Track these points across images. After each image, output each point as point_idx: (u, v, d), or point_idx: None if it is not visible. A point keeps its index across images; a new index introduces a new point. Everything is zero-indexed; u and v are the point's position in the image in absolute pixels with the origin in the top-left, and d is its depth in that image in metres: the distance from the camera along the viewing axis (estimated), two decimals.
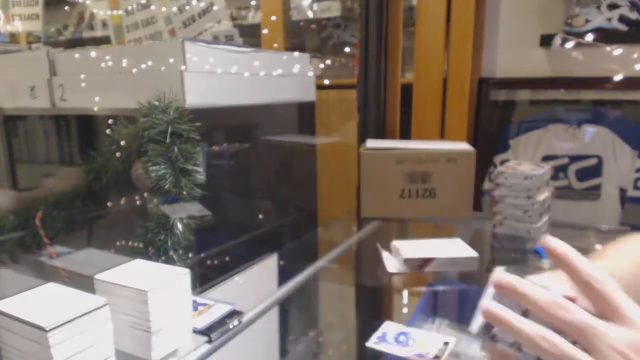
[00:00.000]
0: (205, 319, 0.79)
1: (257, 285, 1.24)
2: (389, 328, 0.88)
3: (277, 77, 1.28)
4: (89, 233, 1.14)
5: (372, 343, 0.83)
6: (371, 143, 1.40)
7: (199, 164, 0.96)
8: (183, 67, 0.97)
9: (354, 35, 2.85)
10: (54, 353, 0.56)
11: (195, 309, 0.82)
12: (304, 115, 1.46)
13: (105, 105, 1.08)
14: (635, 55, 1.81)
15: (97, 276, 0.70)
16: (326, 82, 2.68)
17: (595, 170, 1.88)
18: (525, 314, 0.44)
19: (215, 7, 1.32)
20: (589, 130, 1.89)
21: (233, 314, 0.82)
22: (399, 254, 1.07)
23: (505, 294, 0.45)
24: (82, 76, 1.10)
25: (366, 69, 1.56)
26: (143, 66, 1.02)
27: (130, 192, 1.04)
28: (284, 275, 1.23)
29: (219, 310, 0.82)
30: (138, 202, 1.03)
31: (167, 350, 0.70)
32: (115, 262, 0.75)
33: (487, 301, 0.45)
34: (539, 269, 0.98)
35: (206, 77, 1.03)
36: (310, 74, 1.45)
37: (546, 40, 1.90)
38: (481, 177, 2.06)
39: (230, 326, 0.79)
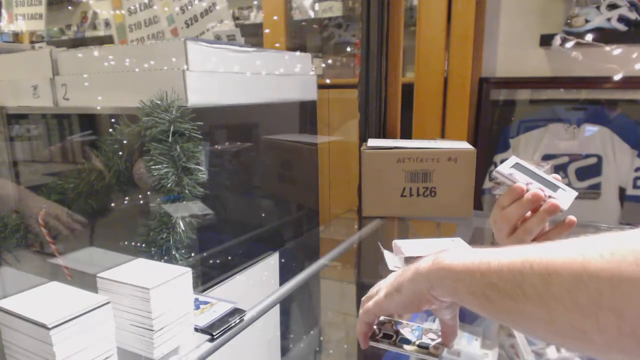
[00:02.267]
0: (207, 317, 0.79)
1: (258, 283, 1.24)
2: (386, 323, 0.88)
3: (279, 77, 1.29)
4: (92, 232, 1.15)
5: (372, 340, 0.84)
6: (372, 142, 1.41)
7: (201, 163, 0.97)
8: (185, 67, 0.98)
9: (355, 35, 2.85)
10: (56, 351, 0.57)
11: (197, 307, 0.83)
12: (306, 115, 1.46)
13: (108, 105, 1.08)
14: (635, 55, 1.81)
15: (99, 274, 0.70)
16: (328, 81, 2.69)
17: (595, 170, 1.88)
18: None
19: (217, 7, 1.32)
20: (589, 129, 1.89)
21: (235, 312, 0.82)
22: (400, 253, 1.08)
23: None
24: (85, 75, 1.11)
25: (367, 68, 1.56)
26: (145, 65, 1.02)
27: (133, 191, 1.05)
28: (285, 274, 1.23)
29: (220, 309, 0.82)
30: (140, 201, 1.03)
31: (169, 348, 0.70)
32: (118, 260, 0.75)
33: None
34: None
35: (208, 76, 1.04)
36: (312, 73, 1.46)
37: (546, 40, 1.91)
38: (482, 176, 2.06)
39: (232, 324, 0.79)
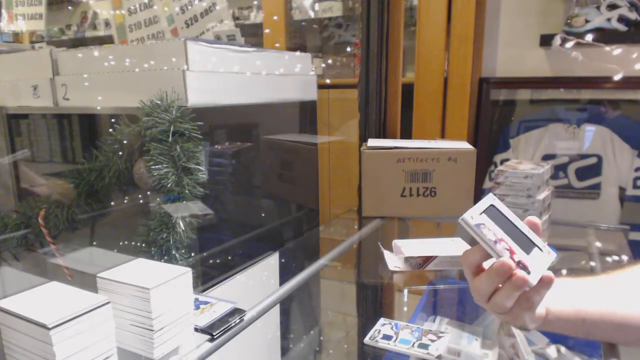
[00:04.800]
0: (207, 317, 0.79)
1: (258, 283, 1.24)
2: (385, 324, 0.89)
3: (279, 77, 1.29)
4: (92, 232, 1.15)
5: (368, 340, 0.84)
6: (372, 142, 1.41)
7: (201, 163, 0.97)
8: (185, 67, 0.98)
9: (355, 35, 2.86)
10: (56, 351, 0.57)
11: (197, 307, 0.83)
12: (306, 115, 1.46)
13: (108, 105, 1.08)
14: (635, 55, 1.81)
15: (99, 274, 0.70)
16: (328, 81, 2.69)
17: (595, 169, 1.88)
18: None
19: (217, 7, 1.32)
20: (589, 129, 1.89)
21: (235, 312, 0.82)
22: (400, 253, 1.08)
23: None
24: (85, 75, 1.11)
25: (367, 68, 1.56)
26: (145, 65, 1.02)
27: (133, 191, 1.05)
28: (285, 274, 1.23)
29: (220, 309, 0.82)
30: (140, 201, 1.03)
31: (169, 348, 0.70)
32: (118, 260, 0.75)
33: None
34: None
35: (208, 76, 1.04)
36: (312, 73, 1.46)
37: (546, 40, 1.91)
38: (482, 176, 2.07)
39: (232, 324, 0.79)
